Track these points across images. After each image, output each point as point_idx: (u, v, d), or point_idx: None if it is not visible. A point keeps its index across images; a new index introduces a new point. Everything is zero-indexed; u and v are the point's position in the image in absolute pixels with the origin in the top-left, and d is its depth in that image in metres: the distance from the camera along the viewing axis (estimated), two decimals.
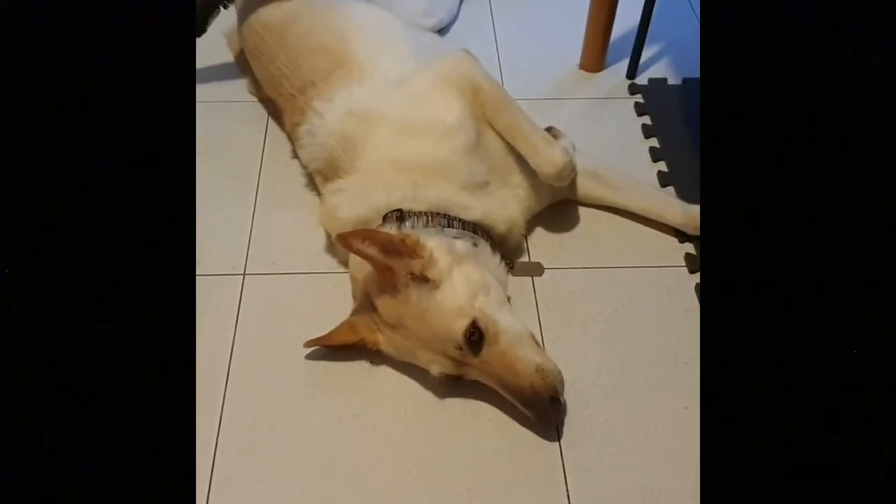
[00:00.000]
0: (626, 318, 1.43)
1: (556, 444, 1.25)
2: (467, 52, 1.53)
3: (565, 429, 1.26)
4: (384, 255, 1.20)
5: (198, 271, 1.49)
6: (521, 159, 1.46)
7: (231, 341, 1.38)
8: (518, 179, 1.49)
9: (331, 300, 1.44)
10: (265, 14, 1.68)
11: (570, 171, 1.44)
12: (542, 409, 1.20)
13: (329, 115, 1.45)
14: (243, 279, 1.49)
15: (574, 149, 1.53)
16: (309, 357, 1.35)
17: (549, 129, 1.56)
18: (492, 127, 1.45)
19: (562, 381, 1.22)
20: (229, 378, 1.33)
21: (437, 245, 1.25)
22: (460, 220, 1.36)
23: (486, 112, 1.43)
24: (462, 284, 1.23)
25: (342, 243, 1.20)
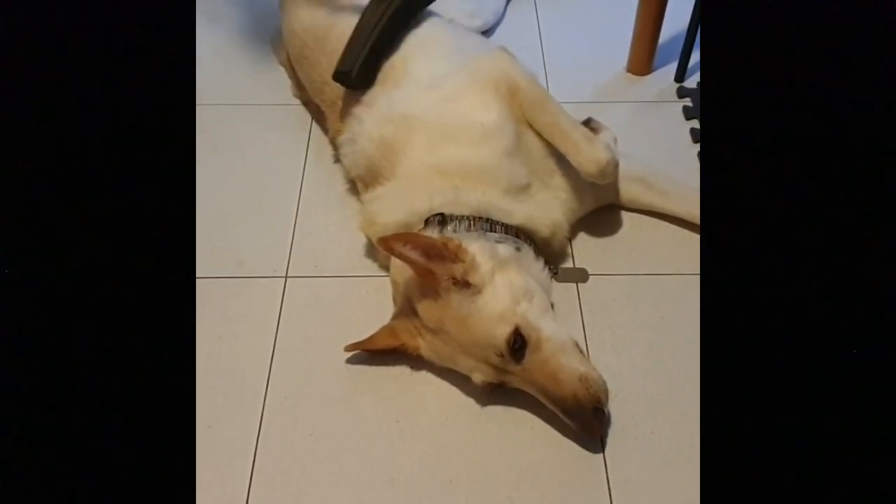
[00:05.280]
0: (673, 327, 1.39)
1: (601, 455, 1.22)
2: (505, 49, 1.50)
3: (610, 440, 1.23)
4: (426, 259, 1.19)
5: (240, 273, 1.50)
6: (561, 160, 1.43)
7: (272, 343, 1.39)
8: (560, 181, 1.46)
9: (372, 304, 1.43)
10: (308, 19, 1.68)
11: (613, 169, 1.40)
12: (585, 420, 1.17)
13: (368, 121, 1.44)
14: (285, 282, 1.49)
15: (615, 142, 1.49)
16: (349, 361, 1.35)
17: (587, 122, 1.52)
18: (530, 126, 1.42)
19: (606, 392, 1.20)
20: (270, 380, 1.33)
21: (479, 249, 1.23)
22: (503, 224, 1.34)
23: (525, 111, 1.41)
24: (505, 290, 1.21)
25: (384, 246, 1.20)
